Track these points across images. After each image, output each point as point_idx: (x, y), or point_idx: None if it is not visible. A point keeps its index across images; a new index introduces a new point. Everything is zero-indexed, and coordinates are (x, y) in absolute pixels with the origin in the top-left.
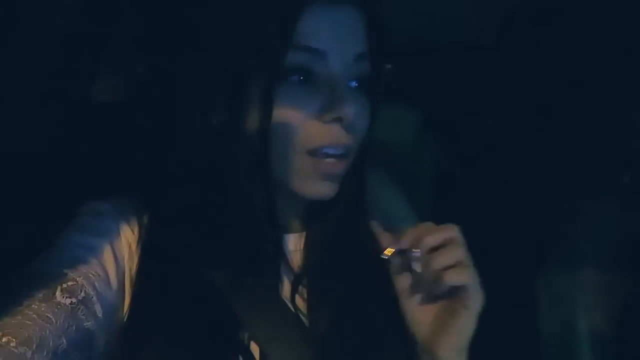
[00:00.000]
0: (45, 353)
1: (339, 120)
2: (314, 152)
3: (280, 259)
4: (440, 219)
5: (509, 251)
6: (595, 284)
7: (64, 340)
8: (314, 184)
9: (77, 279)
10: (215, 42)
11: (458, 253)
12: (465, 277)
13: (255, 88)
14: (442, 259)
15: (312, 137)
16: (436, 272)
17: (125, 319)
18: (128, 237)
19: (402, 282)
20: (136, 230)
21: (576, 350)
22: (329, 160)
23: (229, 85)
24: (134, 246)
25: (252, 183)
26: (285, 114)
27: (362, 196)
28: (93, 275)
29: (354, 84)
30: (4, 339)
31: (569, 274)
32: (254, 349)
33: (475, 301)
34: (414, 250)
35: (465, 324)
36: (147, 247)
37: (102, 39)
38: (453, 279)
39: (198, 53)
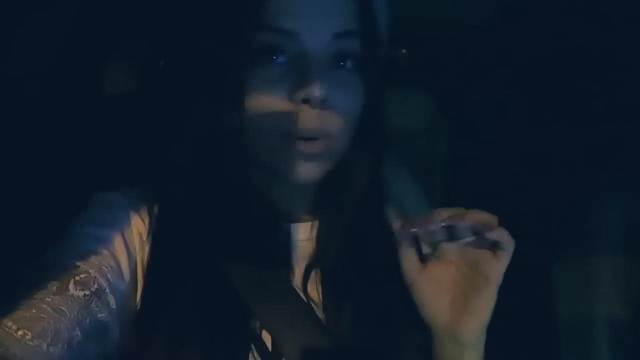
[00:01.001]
0: (60, 345)
1: (307, 101)
2: (288, 136)
3: (291, 248)
4: (455, 205)
5: (525, 238)
6: (613, 271)
7: (79, 332)
8: (294, 166)
9: (90, 271)
10: (186, 26)
11: (490, 215)
12: (504, 234)
13: (230, 72)
14: (480, 216)
15: (284, 120)
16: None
17: (138, 310)
18: (139, 227)
19: (413, 270)
20: (147, 220)
21: (594, 337)
22: (304, 141)
23: (206, 72)
24: (144, 236)
25: (253, 171)
26: (258, 97)
27: (374, 183)
28: (105, 266)
29: (342, 63)
30: (19, 332)
31: (586, 260)
32: (266, 337)
33: (498, 271)
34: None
35: (487, 298)
36: (158, 238)
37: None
38: (494, 234)
39: (172, 40)
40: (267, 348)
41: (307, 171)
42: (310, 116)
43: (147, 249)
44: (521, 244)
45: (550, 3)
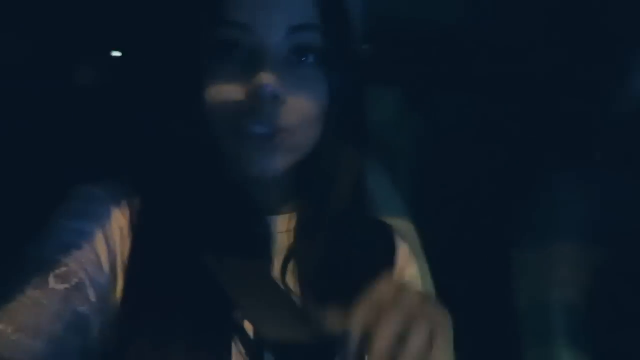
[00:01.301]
0: (41, 339)
1: (257, 92)
2: (244, 131)
3: (270, 240)
4: (420, 198)
5: (485, 229)
6: (567, 258)
7: (59, 326)
8: (254, 161)
9: (70, 264)
10: (141, 20)
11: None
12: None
13: (186, 67)
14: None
15: (239, 115)
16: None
17: (119, 304)
18: (119, 221)
19: None
20: (127, 214)
21: (550, 320)
22: (257, 137)
23: (163, 67)
24: (125, 230)
25: (227, 165)
26: (214, 92)
27: (351, 175)
28: (85, 260)
29: (303, 58)
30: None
31: (541, 248)
32: (248, 327)
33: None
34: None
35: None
36: (139, 232)
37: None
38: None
39: (131, 35)
40: (249, 337)
41: (269, 165)
42: (265, 111)
43: (127, 243)
44: (481, 235)
45: (514, 5)
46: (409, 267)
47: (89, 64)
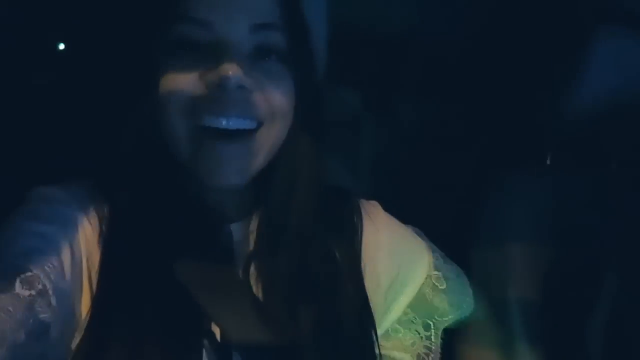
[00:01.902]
0: (4, 347)
1: (221, 83)
2: (204, 126)
3: (232, 246)
4: (378, 199)
5: (444, 229)
6: (522, 258)
7: (22, 333)
8: (213, 171)
9: (34, 269)
10: (108, 17)
11: None
12: None
13: (146, 65)
14: None
15: (197, 107)
16: None
17: (87, 314)
18: (85, 227)
19: None
20: (95, 222)
21: (507, 316)
22: (223, 138)
23: (123, 65)
24: (93, 238)
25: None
26: (171, 86)
27: (310, 178)
28: (48, 266)
29: (266, 58)
30: None
31: (497, 247)
32: (215, 329)
33: None
34: None
35: None
36: (107, 240)
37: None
38: None
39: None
40: (216, 339)
41: (229, 177)
42: (230, 101)
43: (94, 250)
44: (440, 235)
45: (469, 10)
46: (388, 221)
47: (43, 60)
